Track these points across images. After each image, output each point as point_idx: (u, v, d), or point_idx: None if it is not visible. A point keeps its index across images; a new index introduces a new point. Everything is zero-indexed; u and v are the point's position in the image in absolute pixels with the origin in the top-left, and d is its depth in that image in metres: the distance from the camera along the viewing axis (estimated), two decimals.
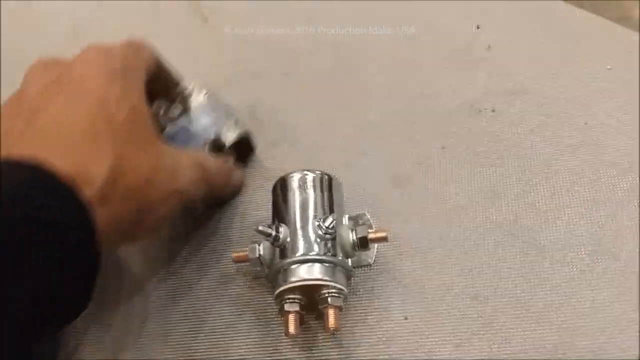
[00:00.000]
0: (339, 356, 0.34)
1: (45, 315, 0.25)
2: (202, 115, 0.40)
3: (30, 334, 0.25)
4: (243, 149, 0.41)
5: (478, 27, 0.46)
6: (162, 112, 0.40)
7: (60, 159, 0.26)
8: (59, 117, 0.29)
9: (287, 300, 0.32)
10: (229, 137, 0.39)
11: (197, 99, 0.41)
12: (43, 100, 0.29)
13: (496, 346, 0.32)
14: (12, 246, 0.23)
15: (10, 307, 0.23)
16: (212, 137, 0.39)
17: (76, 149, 0.28)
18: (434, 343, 0.33)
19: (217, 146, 0.39)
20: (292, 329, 0.32)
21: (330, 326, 0.31)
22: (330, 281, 0.32)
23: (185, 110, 0.40)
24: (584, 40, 0.43)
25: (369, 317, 0.35)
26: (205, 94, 0.41)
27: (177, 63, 0.51)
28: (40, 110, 0.29)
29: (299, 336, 0.34)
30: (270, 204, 0.37)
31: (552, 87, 0.41)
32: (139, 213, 0.30)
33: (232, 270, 0.38)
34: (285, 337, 0.34)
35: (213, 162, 0.37)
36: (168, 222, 0.34)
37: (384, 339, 0.34)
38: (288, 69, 0.48)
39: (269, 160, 0.43)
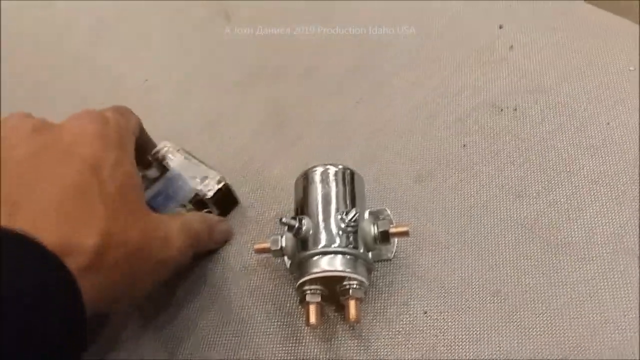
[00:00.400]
0: (358, 348, 0.34)
1: None
2: (179, 174, 0.41)
3: None
4: (225, 201, 0.41)
5: (501, 27, 0.46)
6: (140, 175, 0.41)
7: (50, 230, 0.26)
8: (49, 185, 0.28)
9: (309, 291, 0.33)
10: (209, 191, 0.39)
11: (173, 159, 0.41)
12: (32, 167, 0.29)
13: (516, 342, 0.32)
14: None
15: None
16: (191, 194, 0.39)
17: (67, 218, 0.27)
18: (452, 338, 0.33)
19: (197, 202, 0.39)
20: (313, 319, 0.32)
21: (351, 317, 0.32)
22: (351, 273, 0.32)
23: (163, 172, 0.41)
24: (606, 41, 0.43)
25: (389, 310, 0.35)
26: (179, 152, 0.42)
27: (200, 61, 0.52)
28: (30, 178, 0.28)
29: (318, 327, 0.35)
30: (293, 197, 0.37)
31: (574, 87, 0.41)
32: (129, 281, 0.30)
33: (254, 262, 0.39)
34: (306, 328, 0.35)
35: (198, 223, 0.36)
36: (158, 286, 0.34)
37: (403, 332, 0.34)
38: (309, 67, 0.49)
39: (292, 155, 0.43)
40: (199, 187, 0.39)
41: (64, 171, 0.29)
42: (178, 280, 0.39)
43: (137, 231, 0.30)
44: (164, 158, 0.41)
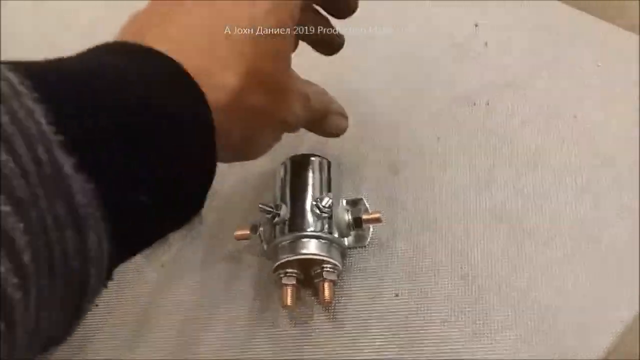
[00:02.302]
0: (333, 329, 0.36)
1: (163, 212, 0.24)
2: None
3: (145, 233, 0.24)
4: None
5: (476, 25, 0.48)
6: None
7: (192, 59, 0.24)
8: (199, 18, 0.26)
9: (285, 274, 0.34)
10: None
11: None
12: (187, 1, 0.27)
13: (481, 323, 0.34)
14: (138, 131, 0.22)
15: (137, 189, 0.22)
16: None
17: (212, 52, 0.26)
18: (422, 319, 0.35)
19: None
20: (288, 301, 0.34)
21: (324, 298, 0.33)
22: (325, 256, 0.34)
23: None
24: (575, 38, 0.45)
25: (362, 294, 0.37)
26: None
27: None
28: (183, 7, 0.27)
29: (295, 310, 0.36)
30: (273, 187, 0.39)
31: (544, 82, 0.43)
32: (252, 133, 0.29)
33: (233, 248, 0.40)
34: (283, 310, 0.36)
35: (318, 104, 0.35)
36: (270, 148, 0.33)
37: (375, 314, 0.36)
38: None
39: (275, 148, 0.44)
40: None
41: (217, 9, 0.27)
42: (159, 265, 0.41)
43: (280, 83, 0.28)
44: None
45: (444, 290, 0.36)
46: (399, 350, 0.34)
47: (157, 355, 0.37)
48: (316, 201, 0.35)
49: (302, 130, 0.45)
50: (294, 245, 0.34)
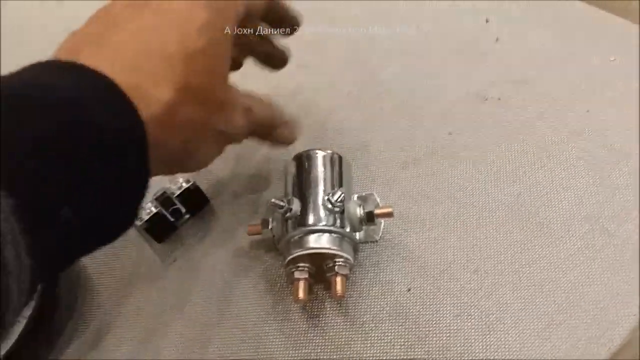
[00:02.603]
0: (344, 323, 0.36)
1: (88, 227, 0.24)
2: None
3: (68, 248, 0.24)
4: (193, 200, 0.42)
5: (487, 21, 0.48)
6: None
7: (125, 73, 0.25)
8: (133, 36, 0.27)
9: (297, 268, 0.34)
10: (177, 189, 0.40)
11: None
12: (125, 14, 0.28)
13: (494, 317, 0.34)
14: (63, 147, 0.22)
15: (56, 216, 0.22)
16: (160, 192, 0.40)
17: (145, 67, 0.26)
18: (434, 312, 0.35)
19: (164, 199, 0.40)
20: (301, 294, 0.34)
21: (337, 292, 0.33)
22: (337, 250, 0.34)
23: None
24: (588, 33, 0.45)
25: (374, 288, 0.37)
26: None
27: None
28: (119, 22, 0.27)
29: (307, 304, 0.36)
30: (283, 182, 0.39)
31: (557, 77, 0.43)
32: (191, 146, 0.29)
33: (246, 244, 0.40)
34: (295, 304, 0.37)
35: (263, 111, 0.35)
36: (212, 160, 0.33)
37: (387, 308, 0.36)
38: (304, 61, 0.51)
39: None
40: (168, 185, 0.41)
41: (152, 24, 0.28)
42: (175, 262, 0.41)
43: (213, 97, 0.29)
44: None
45: (457, 284, 0.35)
46: (410, 344, 0.34)
47: (169, 349, 0.37)
48: (328, 196, 0.35)
49: (310, 129, 0.45)
50: (306, 240, 0.34)
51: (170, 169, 0.32)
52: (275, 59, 0.41)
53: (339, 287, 0.34)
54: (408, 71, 0.47)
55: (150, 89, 0.26)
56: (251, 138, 0.36)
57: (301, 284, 0.34)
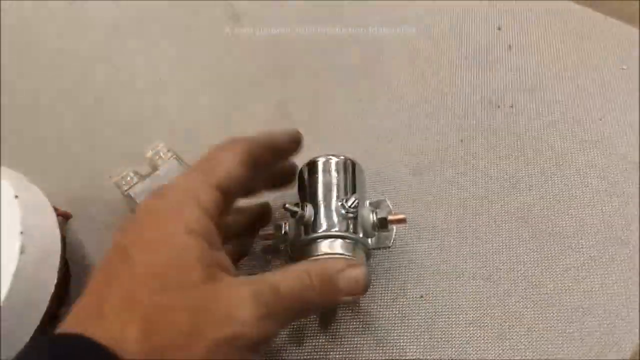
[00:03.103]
0: (356, 329, 0.36)
1: None
2: (167, 175, 0.42)
3: None
4: None
5: (499, 29, 0.48)
6: (132, 173, 0.42)
7: (98, 326, 0.25)
8: (105, 284, 0.27)
9: None
10: None
11: (163, 159, 0.43)
12: (99, 268, 0.28)
13: (507, 324, 0.34)
14: None
15: None
16: None
17: (111, 313, 0.25)
18: (447, 320, 0.35)
19: None
20: None
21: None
22: (350, 256, 0.34)
23: (153, 170, 0.43)
24: (600, 41, 0.45)
25: (386, 295, 0.37)
26: (172, 156, 0.43)
27: (207, 61, 0.55)
28: (95, 279, 0.27)
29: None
30: (297, 187, 0.39)
31: (569, 85, 0.43)
32: None
33: (258, 249, 0.41)
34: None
35: (290, 282, 0.29)
36: None
37: (400, 315, 0.36)
38: (315, 67, 0.51)
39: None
40: None
41: (104, 259, 0.28)
42: None
43: (185, 310, 0.25)
44: (157, 157, 0.43)
45: (469, 292, 0.35)
46: (423, 351, 0.34)
47: None
48: (342, 201, 0.35)
49: (323, 134, 0.45)
50: (320, 245, 0.34)
51: None
52: (287, 181, 0.39)
53: None
54: (418, 78, 0.47)
55: (121, 333, 0.24)
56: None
57: None
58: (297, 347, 0.36)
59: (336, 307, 0.37)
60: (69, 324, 0.26)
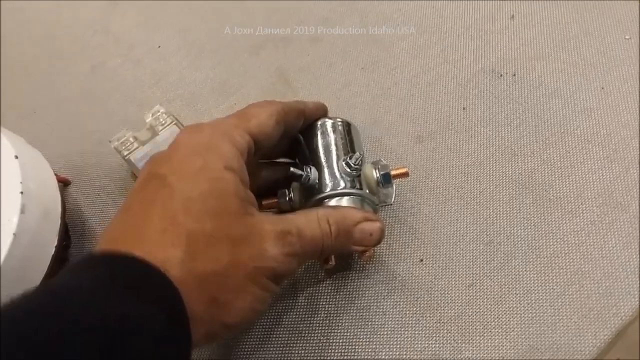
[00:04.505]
0: (357, 292, 0.36)
1: None
2: (167, 140, 0.42)
3: None
4: None
5: None
6: (131, 138, 0.42)
7: (140, 248, 0.25)
8: (142, 207, 0.28)
9: None
10: None
11: (163, 124, 0.43)
12: (134, 192, 0.29)
13: (506, 287, 0.34)
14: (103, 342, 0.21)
15: None
16: None
17: (153, 235, 0.26)
18: (447, 283, 0.35)
19: None
20: (332, 260, 0.34)
21: (365, 254, 0.34)
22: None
23: (153, 135, 0.43)
24: (603, 10, 0.44)
25: (386, 259, 0.37)
26: (172, 122, 0.43)
27: (211, 26, 0.54)
28: (132, 202, 0.29)
29: (335, 270, 0.37)
30: (295, 153, 0.39)
31: (572, 54, 0.43)
32: (219, 303, 0.27)
33: None
34: (319, 271, 0.37)
35: (313, 226, 0.31)
36: (260, 313, 0.29)
37: (400, 278, 0.36)
38: (316, 34, 0.50)
39: None
40: None
41: (139, 186, 0.29)
42: None
43: (225, 238, 0.27)
44: (158, 122, 0.43)
45: (469, 255, 0.36)
46: (422, 313, 0.34)
47: None
48: (346, 159, 0.35)
49: (331, 100, 0.45)
50: (327, 204, 0.34)
51: (207, 335, 0.27)
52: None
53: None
54: (421, 47, 0.47)
55: (164, 254, 0.25)
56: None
57: None
58: (297, 311, 0.36)
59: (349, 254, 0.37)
60: (107, 243, 0.27)
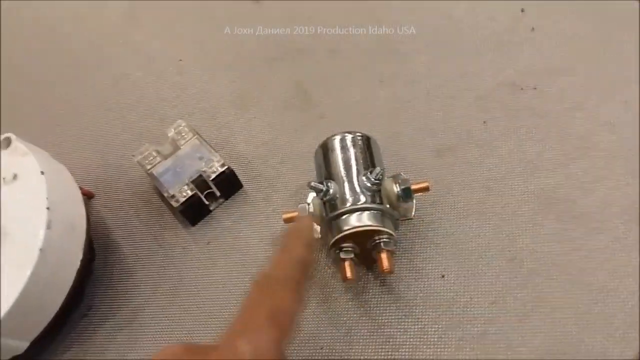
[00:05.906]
0: (377, 308, 0.36)
1: None
2: (189, 154, 0.43)
3: None
4: (228, 184, 0.43)
5: (523, 10, 0.47)
6: (154, 152, 0.43)
7: None
8: None
9: (341, 250, 0.34)
10: (212, 173, 0.41)
11: (185, 139, 0.44)
12: None
13: (530, 305, 0.34)
14: None
15: None
16: (196, 174, 0.41)
17: None
18: (469, 300, 0.35)
19: (200, 182, 0.41)
20: (349, 274, 0.34)
21: (384, 268, 0.33)
22: (380, 227, 0.34)
23: (175, 149, 0.43)
24: (624, 24, 0.44)
25: (407, 274, 0.37)
26: (194, 136, 0.44)
27: (229, 38, 0.54)
28: None
29: (355, 283, 0.37)
30: (317, 167, 0.39)
31: (594, 67, 0.42)
32: None
33: (279, 229, 0.41)
34: (328, 289, 0.37)
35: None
36: None
37: (421, 294, 0.36)
38: (334, 46, 0.51)
39: (316, 129, 0.45)
40: (204, 169, 0.41)
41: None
42: (205, 243, 0.41)
43: None
44: (179, 136, 0.44)
45: (492, 272, 0.35)
46: (444, 330, 0.34)
47: (201, 329, 0.38)
48: (366, 174, 0.35)
49: (339, 117, 0.45)
50: (348, 219, 0.34)
51: None
52: None
53: (385, 263, 0.33)
54: (441, 59, 0.47)
55: None
56: None
57: (347, 265, 0.34)
58: (318, 326, 0.36)
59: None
60: None
